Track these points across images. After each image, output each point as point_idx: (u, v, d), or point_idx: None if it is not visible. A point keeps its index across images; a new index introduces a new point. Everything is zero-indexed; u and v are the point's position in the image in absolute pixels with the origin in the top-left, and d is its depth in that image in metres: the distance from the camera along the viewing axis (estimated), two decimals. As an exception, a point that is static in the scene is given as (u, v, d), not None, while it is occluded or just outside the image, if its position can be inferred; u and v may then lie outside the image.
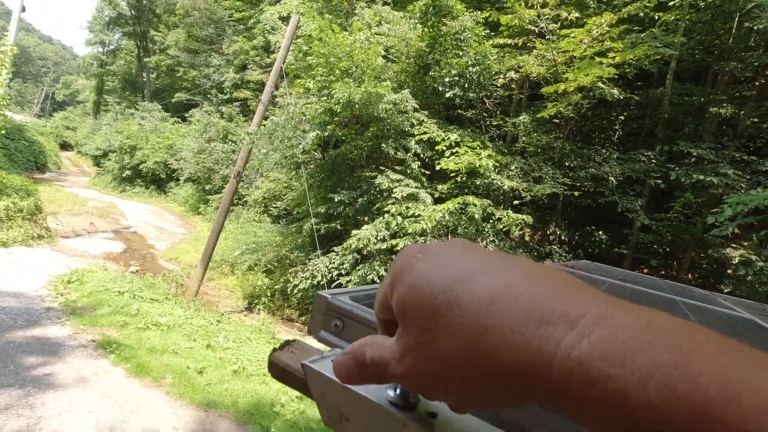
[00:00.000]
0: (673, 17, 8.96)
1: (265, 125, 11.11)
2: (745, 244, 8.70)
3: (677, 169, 8.63)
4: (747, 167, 8.78)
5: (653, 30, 8.55)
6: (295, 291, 9.78)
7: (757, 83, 9.38)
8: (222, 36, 27.71)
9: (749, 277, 7.80)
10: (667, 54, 8.59)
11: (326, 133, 10.47)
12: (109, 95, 38.76)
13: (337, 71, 10.01)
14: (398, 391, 0.31)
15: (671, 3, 8.85)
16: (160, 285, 9.36)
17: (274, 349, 0.39)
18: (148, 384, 4.85)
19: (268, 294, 11.03)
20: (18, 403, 3.95)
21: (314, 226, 9.97)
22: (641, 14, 8.71)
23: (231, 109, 23.40)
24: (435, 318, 0.25)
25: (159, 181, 24.29)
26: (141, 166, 23.69)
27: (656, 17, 9.00)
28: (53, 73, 79.89)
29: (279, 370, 0.38)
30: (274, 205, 15.21)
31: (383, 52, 10.85)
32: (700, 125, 10.39)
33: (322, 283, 9.15)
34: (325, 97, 10.16)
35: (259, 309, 10.76)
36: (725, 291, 7.79)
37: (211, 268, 11.89)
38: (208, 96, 26.12)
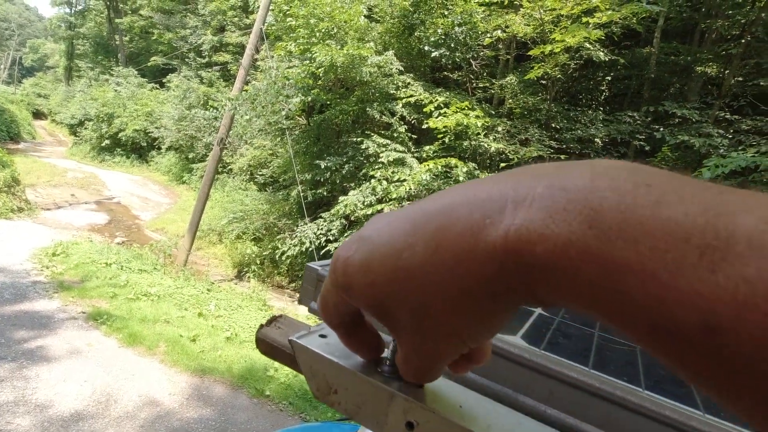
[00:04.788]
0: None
1: (247, 90, 10.78)
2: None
3: (662, 129, 8.68)
4: (730, 126, 8.88)
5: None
6: (284, 258, 9.82)
7: (743, 41, 9.33)
8: (197, -5, 26.32)
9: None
10: (654, 12, 8.45)
11: (310, 98, 10.22)
12: (80, 60, 36.90)
13: (318, 33, 9.66)
14: (387, 364, 0.32)
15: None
16: (147, 255, 9.31)
17: (261, 326, 0.40)
18: (142, 353, 4.91)
19: (258, 262, 11.06)
20: (12, 375, 3.99)
21: (301, 193, 9.90)
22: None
23: (211, 74, 22.55)
24: (411, 292, 0.24)
25: (140, 150, 23.63)
26: (120, 135, 22.94)
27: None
28: (18, 37, 75.50)
29: (267, 346, 0.39)
30: (260, 173, 14.99)
31: (366, 12, 10.47)
32: (686, 85, 10.38)
33: (310, 249, 9.19)
34: (308, 61, 9.85)
35: (248, 277, 10.82)
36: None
37: (199, 238, 11.83)
38: (186, 60, 25.06)
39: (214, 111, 15.40)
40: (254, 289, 9.51)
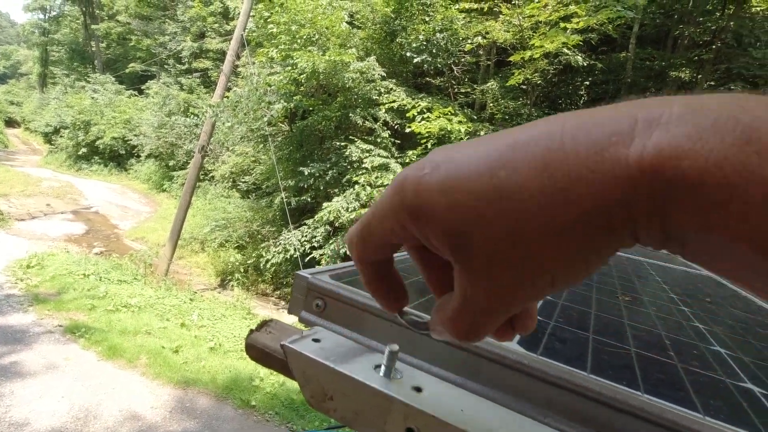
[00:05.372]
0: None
1: (228, 97, 10.68)
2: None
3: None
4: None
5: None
6: (268, 266, 9.71)
7: (714, 46, 9.65)
8: (176, 1, 26.04)
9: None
10: (629, 17, 8.68)
11: (292, 104, 10.17)
12: (55, 67, 36.07)
13: (300, 39, 9.65)
14: (383, 367, 0.31)
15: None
16: (127, 266, 9.10)
17: (251, 331, 0.38)
18: (122, 366, 4.78)
19: (241, 270, 10.91)
20: (-16, 393, 3.83)
21: (285, 200, 9.82)
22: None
23: (191, 81, 22.29)
24: (517, 220, 0.21)
25: (118, 158, 23.14)
26: (97, 143, 22.43)
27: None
28: (-10, 44, 73.46)
29: (257, 352, 0.37)
30: (243, 180, 14.84)
31: (347, 18, 10.50)
32: (661, 89, 10.68)
33: (295, 256, 9.11)
34: (290, 67, 9.82)
35: (232, 285, 10.66)
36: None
37: (181, 246, 11.61)
38: (165, 66, 24.73)
39: (195, 118, 15.24)
40: (238, 298, 9.37)
